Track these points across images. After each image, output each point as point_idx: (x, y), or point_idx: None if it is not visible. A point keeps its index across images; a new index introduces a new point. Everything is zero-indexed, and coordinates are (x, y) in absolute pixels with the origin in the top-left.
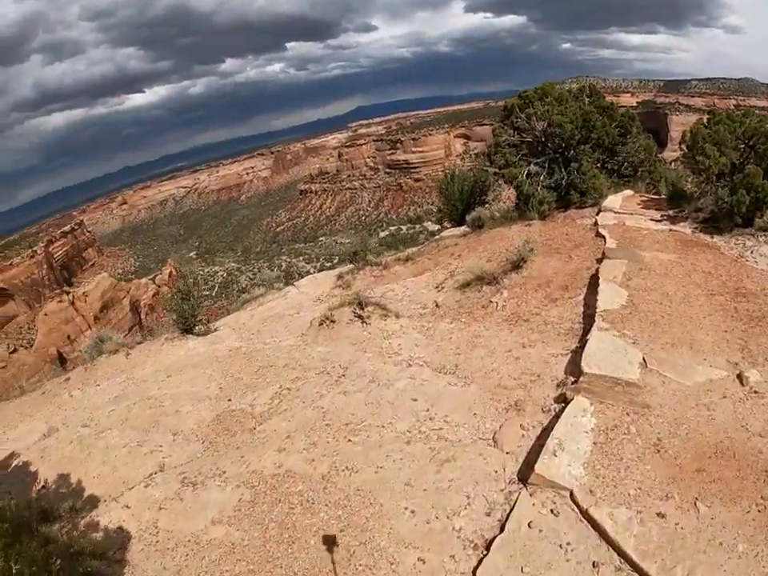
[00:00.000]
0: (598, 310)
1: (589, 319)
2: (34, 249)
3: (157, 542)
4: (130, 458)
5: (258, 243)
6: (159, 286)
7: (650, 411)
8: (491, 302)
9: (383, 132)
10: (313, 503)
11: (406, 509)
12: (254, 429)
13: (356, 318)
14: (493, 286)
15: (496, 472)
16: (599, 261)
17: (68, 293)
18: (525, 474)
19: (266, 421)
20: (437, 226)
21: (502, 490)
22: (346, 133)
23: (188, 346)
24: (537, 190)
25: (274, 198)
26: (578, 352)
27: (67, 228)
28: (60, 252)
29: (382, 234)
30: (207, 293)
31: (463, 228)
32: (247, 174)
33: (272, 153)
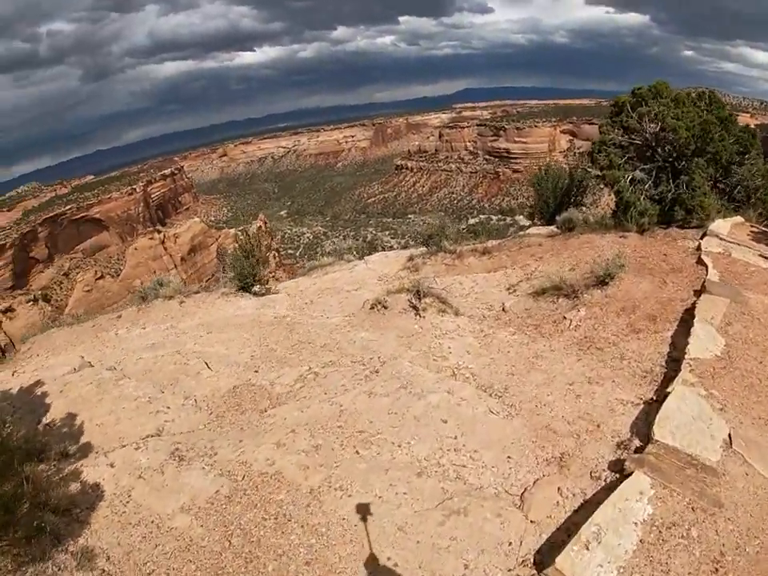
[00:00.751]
0: (686, 356)
1: (674, 364)
2: (134, 187)
3: (123, 512)
4: (135, 413)
5: (348, 211)
6: (237, 236)
7: (721, 512)
8: (565, 317)
9: (488, 117)
10: (288, 520)
11: (388, 559)
12: (265, 411)
13: (410, 308)
14: (570, 299)
15: (510, 544)
16: (697, 294)
17: (160, 232)
18: (543, 560)
19: (280, 405)
20: (528, 222)
21: (509, 571)
22: (450, 113)
23: (239, 304)
24: (639, 199)
25: (369, 170)
26: (652, 406)
27: (167, 171)
28: (157, 193)
29: (471, 221)
30: (292, 252)
31: (551, 228)
32: (346, 142)
33: (373, 124)
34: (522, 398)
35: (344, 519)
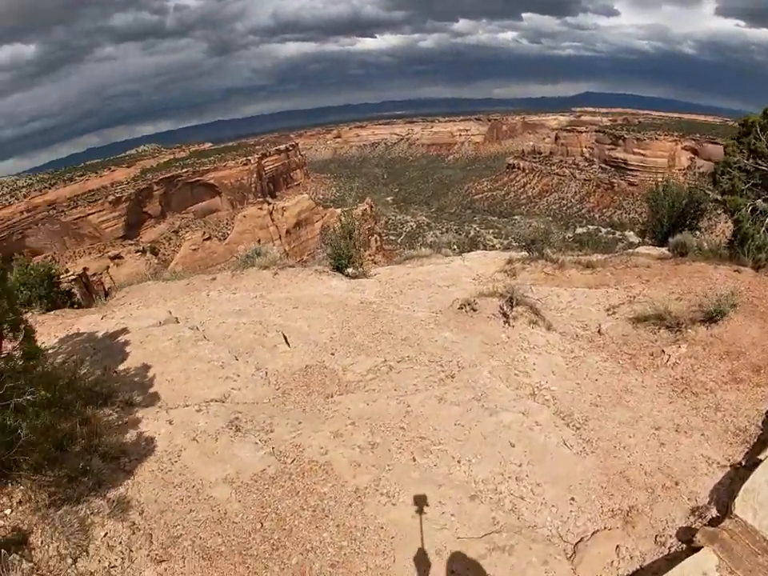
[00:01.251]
0: None
1: None
2: (249, 158)
3: (169, 471)
4: (205, 376)
5: (454, 205)
6: (340, 216)
7: None
8: (663, 351)
9: (607, 124)
10: (326, 516)
11: None
12: (331, 396)
13: (500, 315)
14: (672, 332)
15: None
16: None
17: (269, 203)
18: None
19: (347, 393)
20: (638, 239)
21: None
22: (568, 116)
23: (330, 283)
24: (758, 232)
25: (480, 165)
26: (739, 472)
27: (282, 147)
28: (271, 166)
29: (578, 231)
30: (394, 238)
31: (662, 250)
32: (460, 135)
33: (489, 120)
34: (600, 434)
35: (382, 528)
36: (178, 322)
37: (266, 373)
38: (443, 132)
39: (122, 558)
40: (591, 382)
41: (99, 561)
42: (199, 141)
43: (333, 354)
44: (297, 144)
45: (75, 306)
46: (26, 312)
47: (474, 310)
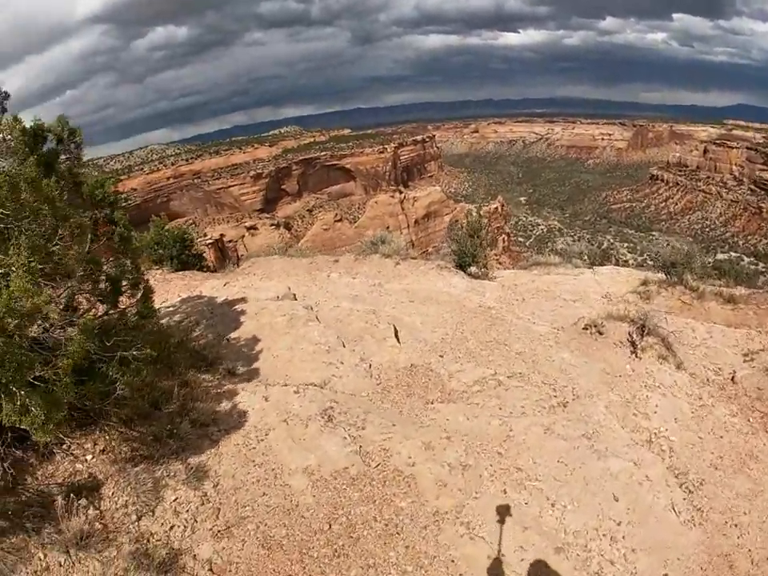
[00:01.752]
0: None
1: None
2: (386, 146)
3: (253, 448)
4: (309, 357)
5: (588, 212)
6: (469, 213)
7: None
8: None
9: (760, 141)
10: (397, 533)
11: None
12: (431, 403)
13: (627, 343)
14: None
15: None
16: None
17: (401, 192)
18: None
19: (448, 402)
20: None
21: None
22: (718, 129)
23: (450, 280)
24: None
25: (620, 173)
26: None
27: (419, 138)
28: (406, 156)
29: (719, 256)
30: (522, 240)
31: None
32: (602, 139)
33: (633, 125)
34: (714, 503)
35: (452, 561)
36: (295, 299)
37: (370, 365)
38: (584, 134)
39: (185, 527)
40: (715, 439)
41: (162, 524)
42: (339, 126)
43: (441, 357)
44: (434, 136)
45: (203, 270)
46: (157, 269)
47: (600, 333)
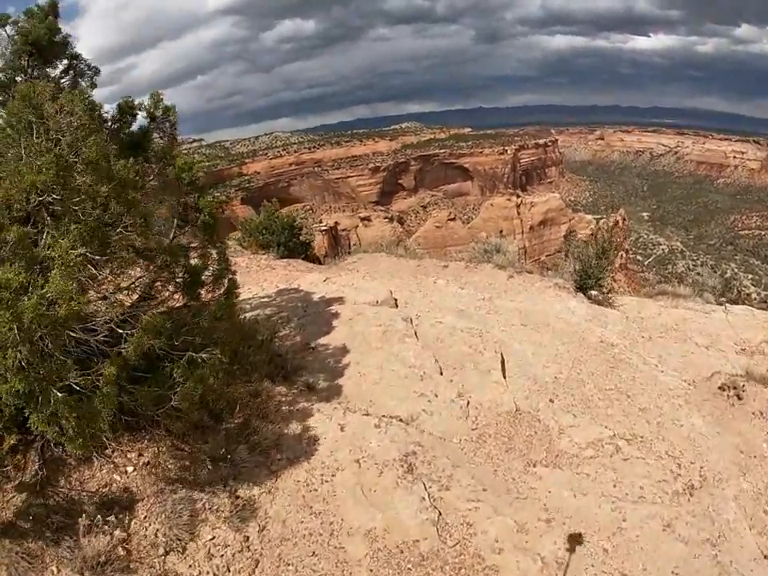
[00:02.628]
0: None
1: None
2: (506, 148)
3: (314, 490)
4: (400, 384)
5: (714, 236)
6: (599, 230)
7: None
8: None
9: None
10: None
11: None
12: (533, 466)
13: None
14: None
15: None
16: None
17: (518, 196)
18: None
19: (554, 468)
20: None
21: None
22: None
23: (569, 304)
24: None
25: (752, 196)
26: None
27: (541, 141)
28: (526, 159)
29: None
30: (640, 259)
31: None
32: (734, 157)
33: None
34: None
35: None
36: (396, 306)
37: (468, 403)
38: (716, 151)
39: (215, 574)
40: None
41: (190, 565)
42: (460, 125)
43: (552, 402)
44: (556, 140)
45: (308, 258)
46: (263, 253)
47: (739, 398)
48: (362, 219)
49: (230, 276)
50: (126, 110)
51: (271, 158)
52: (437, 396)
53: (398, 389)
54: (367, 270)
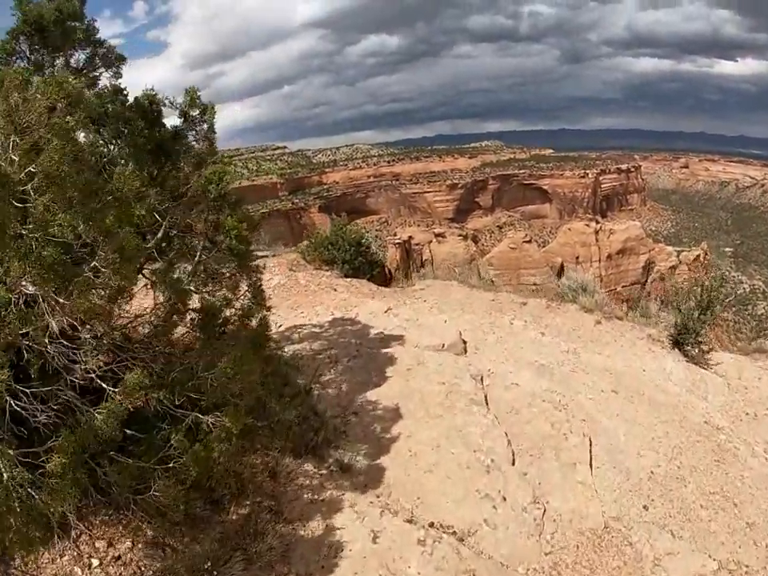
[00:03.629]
0: None
1: None
2: (587, 171)
3: None
4: (459, 475)
5: None
6: (680, 263)
7: None
8: None
9: None
10: None
11: None
12: None
13: None
14: None
15: None
16: None
17: (597, 222)
18: None
19: None
20: None
21: None
22: None
23: (664, 364)
24: None
25: None
26: None
27: (623, 167)
28: (608, 185)
29: None
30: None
31: None
32: None
33: None
34: None
35: None
36: (464, 351)
37: (543, 512)
38: None
39: None
40: None
41: None
42: (541, 145)
43: (645, 509)
44: (639, 167)
45: (373, 278)
46: (327, 270)
47: None
48: (436, 235)
49: (264, 313)
50: (145, 107)
51: (351, 169)
52: (505, 499)
53: (456, 483)
54: (436, 300)
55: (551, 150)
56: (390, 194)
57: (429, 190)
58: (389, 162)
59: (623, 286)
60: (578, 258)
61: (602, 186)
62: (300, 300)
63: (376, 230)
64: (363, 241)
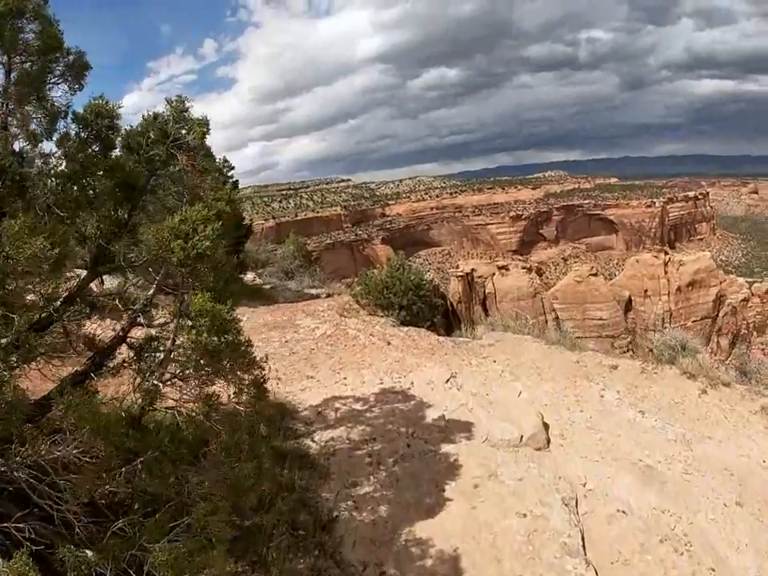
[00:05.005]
0: None
1: None
2: (654, 200)
3: None
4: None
5: None
6: (752, 295)
7: None
8: None
9: None
10: None
11: None
12: None
13: None
14: None
15: None
16: None
17: (666, 253)
18: None
19: None
20: None
21: None
22: None
23: None
24: None
25: None
26: None
27: (691, 194)
28: (675, 213)
29: None
30: None
31: None
32: None
33: None
34: None
35: None
36: (548, 446)
37: None
38: None
39: None
40: None
41: None
42: (605, 174)
43: None
44: (707, 193)
45: (434, 327)
46: (381, 316)
47: None
48: (500, 268)
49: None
50: (89, 120)
51: (413, 201)
52: None
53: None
54: (507, 360)
55: (616, 179)
56: (452, 225)
57: (492, 221)
58: (451, 193)
59: (693, 321)
60: (646, 291)
61: (670, 214)
62: (346, 358)
63: (438, 263)
64: (423, 283)
